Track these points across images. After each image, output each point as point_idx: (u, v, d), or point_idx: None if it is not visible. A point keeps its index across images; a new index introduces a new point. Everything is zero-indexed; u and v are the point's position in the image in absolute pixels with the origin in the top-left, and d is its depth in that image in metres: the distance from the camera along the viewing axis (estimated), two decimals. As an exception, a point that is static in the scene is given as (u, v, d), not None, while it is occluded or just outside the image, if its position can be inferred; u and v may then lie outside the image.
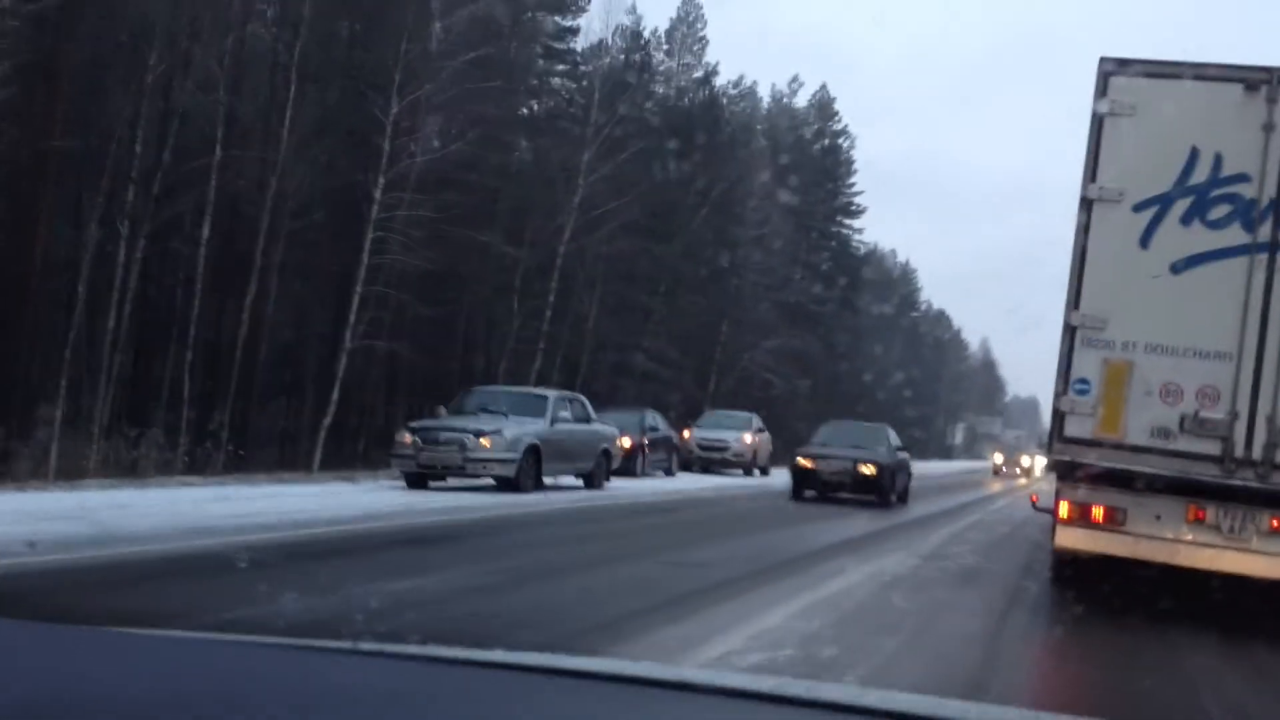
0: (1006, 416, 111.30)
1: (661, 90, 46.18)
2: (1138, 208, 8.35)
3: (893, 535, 14.09)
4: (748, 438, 26.30)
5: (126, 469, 17.58)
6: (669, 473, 23.79)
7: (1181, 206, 8.29)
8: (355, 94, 23.30)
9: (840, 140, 66.17)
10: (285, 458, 22.01)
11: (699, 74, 47.39)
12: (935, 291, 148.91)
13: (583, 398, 18.03)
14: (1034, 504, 12.72)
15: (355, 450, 25.32)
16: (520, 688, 1.31)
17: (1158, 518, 8.27)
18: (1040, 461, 54.59)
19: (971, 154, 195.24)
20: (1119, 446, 8.36)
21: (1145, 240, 8.32)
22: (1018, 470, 50.24)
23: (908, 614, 7.74)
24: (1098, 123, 8.47)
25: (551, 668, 1.39)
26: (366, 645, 1.44)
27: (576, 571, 8.82)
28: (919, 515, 17.72)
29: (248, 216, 21.38)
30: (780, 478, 27.91)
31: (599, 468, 17.13)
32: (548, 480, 15.54)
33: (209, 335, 21.28)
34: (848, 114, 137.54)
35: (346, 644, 1.42)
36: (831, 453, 19.77)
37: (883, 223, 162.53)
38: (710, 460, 26.17)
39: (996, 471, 50.38)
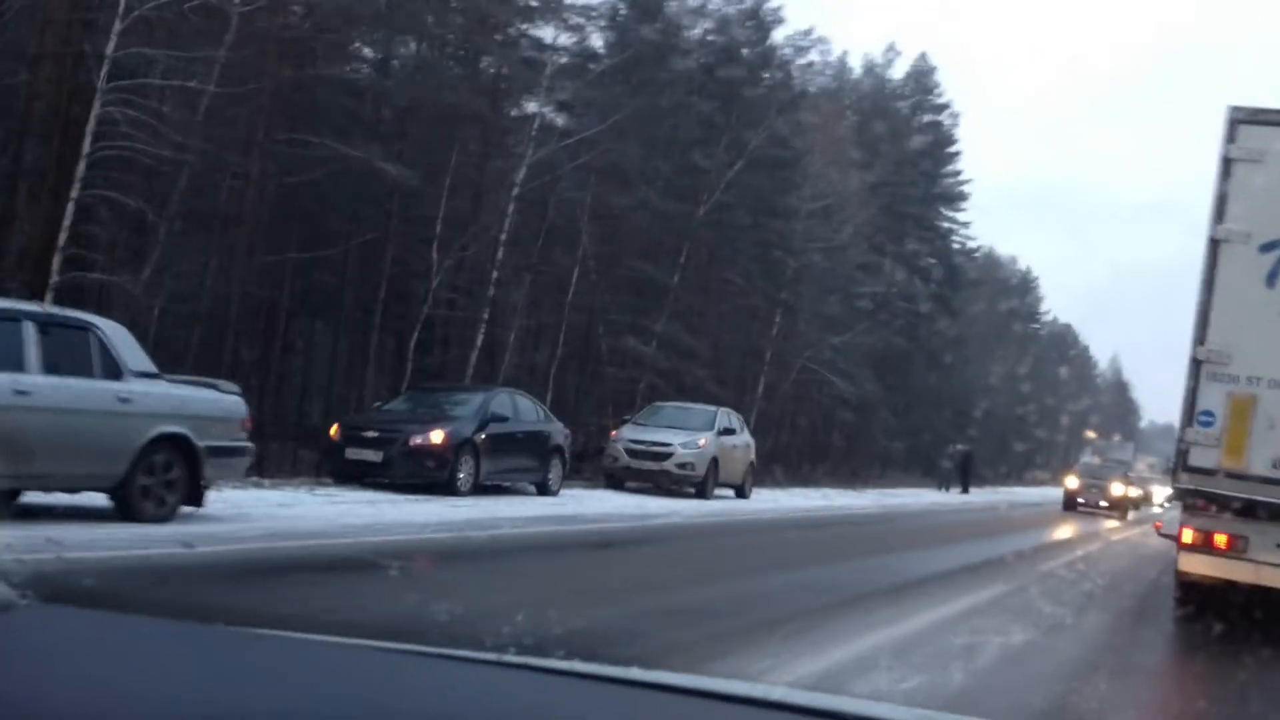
0: (1139, 442, 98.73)
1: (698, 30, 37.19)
2: (1264, 248, 8.52)
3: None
4: (703, 441, 17.30)
5: None
6: (545, 489, 15.05)
7: None
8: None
9: (941, 117, 56.29)
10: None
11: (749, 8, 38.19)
12: (1064, 310, 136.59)
13: (120, 332, 8.50)
14: (1158, 530, 13.46)
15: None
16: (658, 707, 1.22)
17: (1279, 545, 8.36)
18: (1161, 491, 43.00)
19: (1109, 173, 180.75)
20: (1242, 476, 8.48)
21: (1271, 280, 8.48)
22: (1103, 503, 31.51)
23: None
24: (1225, 167, 8.63)
25: (702, 690, 1.28)
26: (511, 657, 1.30)
27: None
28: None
29: None
30: (766, 503, 18.98)
31: (146, 477, 8.08)
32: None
33: None
34: (977, 125, 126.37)
35: (490, 655, 1.29)
36: None
37: (1008, 238, 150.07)
38: (646, 472, 17.29)
39: (1070, 504, 31.63)
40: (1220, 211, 8.50)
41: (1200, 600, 8.72)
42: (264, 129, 17.63)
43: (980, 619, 7.87)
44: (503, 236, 24.43)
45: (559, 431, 15.74)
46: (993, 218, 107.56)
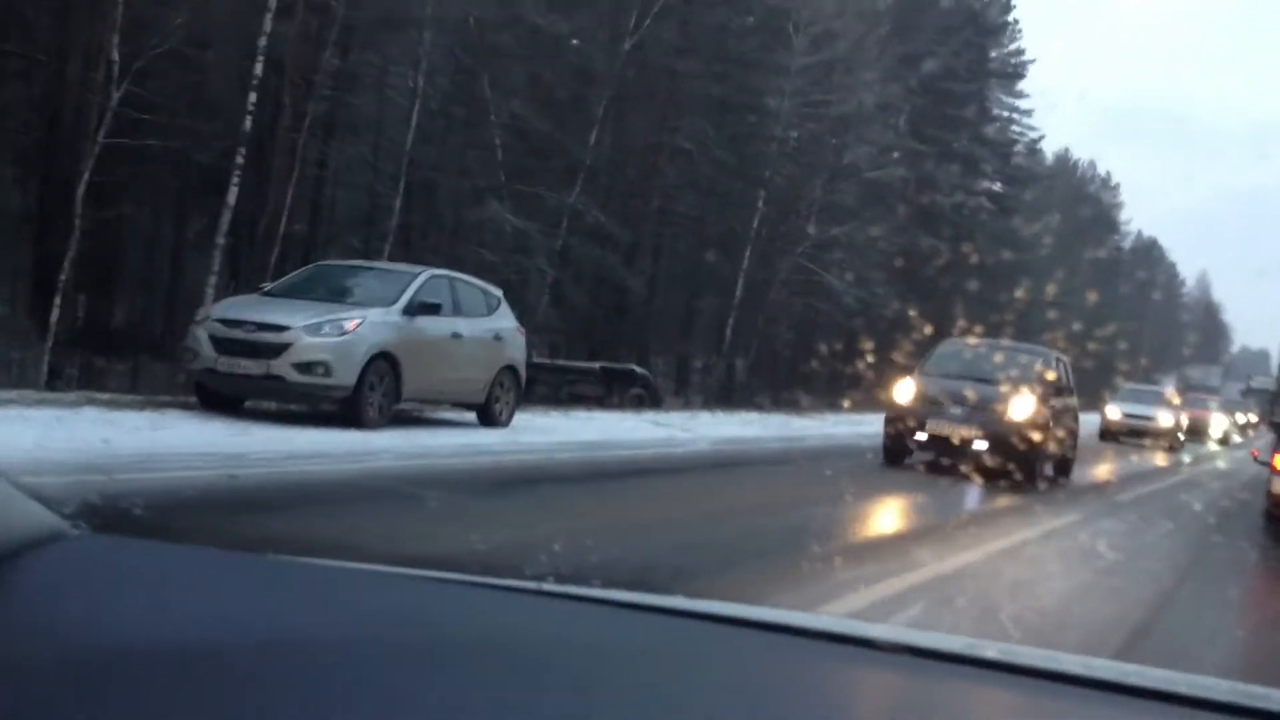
0: (1230, 368, 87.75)
1: None
2: None
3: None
4: (351, 322, 8.70)
5: None
6: None
7: None
8: None
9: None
10: None
11: None
12: (1154, 229, 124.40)
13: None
14: (1255, 457, 14.29)
15: None
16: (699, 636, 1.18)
17: None
18: (1219, 421, 33.71)
19: (1219, 97, 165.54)
20: None
21: None
22: (1153, 432, 23.72)
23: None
24: None
25: (745, 619, 1.21)
26: (550, 586, 1.27)
27: None
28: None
29: None
30: (528, 437, 10.66)
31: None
32: None
33: None
34: (1081, 48, 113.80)
35: (530, 584, 1.26)
36: None
37: (1101, 152, 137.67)
38: (242, 378, 8.88)
39: (1110, 433, 24.19)
40: None
41: None
42: None
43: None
44: (262, 42, 16.22)
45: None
46: (1085, 129, 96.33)
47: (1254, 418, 40.80)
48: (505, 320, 10.66)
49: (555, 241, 22.31)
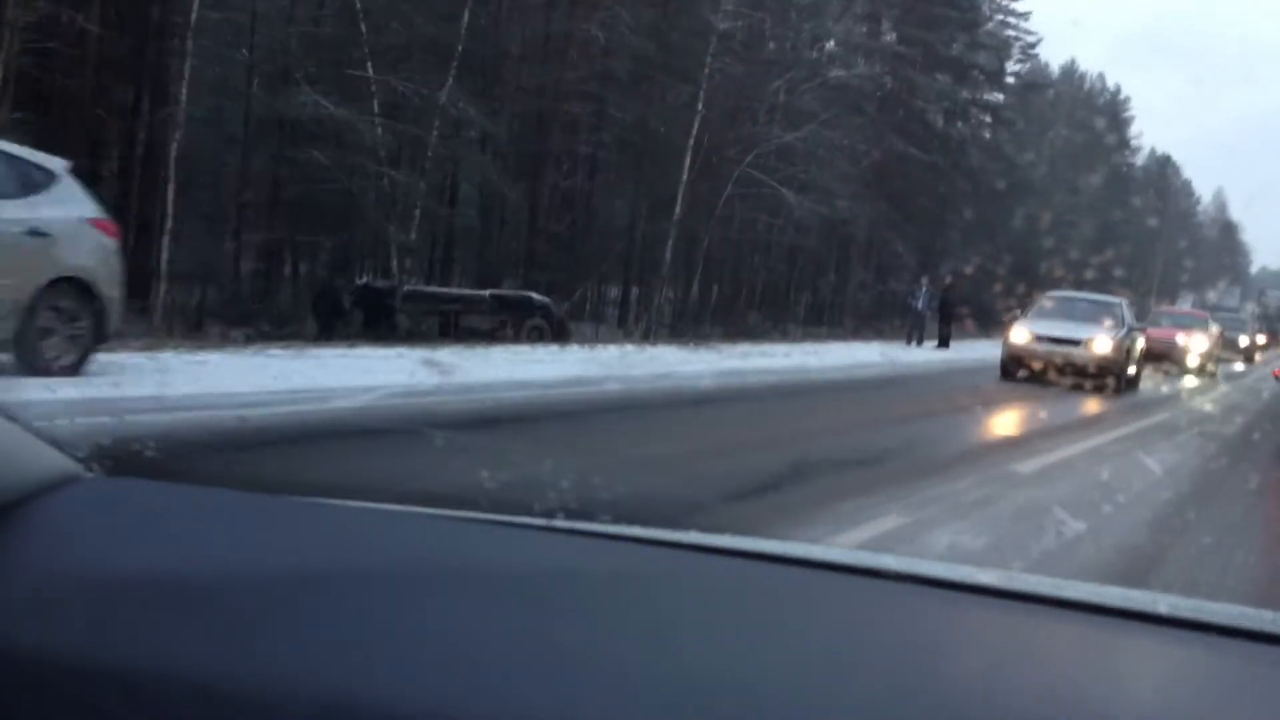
0: (1247, 287, 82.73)
1: None
2: None
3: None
4: None
5: None
6: None
7: None
8: None
9: None
10: None
11: None
12: (1169, 150, 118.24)
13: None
14: (1277, 376, 14.07)
15: None
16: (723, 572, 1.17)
17: None
18: (1200, 344, 26.79)
19: (1232, 17, 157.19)
20: None
21: None
22: (1081, 363, 14.63)
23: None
24: None
25: (755, 552, 1.21)
26: (560, 522, 1.26)
27: None
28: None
29: None
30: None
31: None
32: None
33: None
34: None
35: (540, 521, 1.25)
36: None
37: (1117, 75, 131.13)
38: None
39: (1014, 366, 15.08)
40: None
41: None
42: None
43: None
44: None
45: None
46: (1095, 54, 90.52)
47: (1262, 339, 35.75)
48: (62, 207, 6.51)
49: (426, 148, 18.19)
